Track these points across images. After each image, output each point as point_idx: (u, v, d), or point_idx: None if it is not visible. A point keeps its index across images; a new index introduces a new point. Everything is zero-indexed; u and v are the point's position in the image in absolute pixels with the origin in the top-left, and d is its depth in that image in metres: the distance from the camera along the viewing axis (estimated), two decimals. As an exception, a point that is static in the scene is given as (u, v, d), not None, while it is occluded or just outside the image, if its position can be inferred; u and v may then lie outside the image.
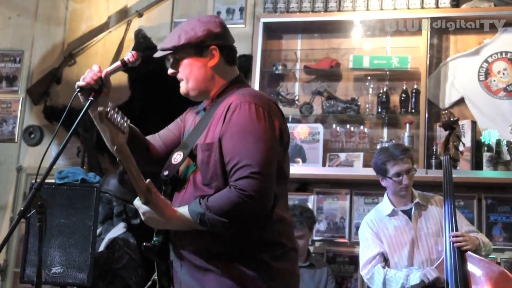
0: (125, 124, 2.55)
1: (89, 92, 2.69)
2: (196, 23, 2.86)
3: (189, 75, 2.83)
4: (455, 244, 4.05)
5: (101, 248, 4.57)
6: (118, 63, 2.78)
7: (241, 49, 5.41)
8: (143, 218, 2.67)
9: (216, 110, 2.78)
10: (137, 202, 2.65)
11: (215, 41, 2.82)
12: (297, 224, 4.76)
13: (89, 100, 2.66)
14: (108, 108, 2.45)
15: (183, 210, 2.63)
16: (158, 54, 2.88)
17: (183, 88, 2.86)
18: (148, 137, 3.02)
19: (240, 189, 2.52)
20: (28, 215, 2.54)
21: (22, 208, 2.53)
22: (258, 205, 2.57)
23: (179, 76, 2.85)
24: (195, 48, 2.81)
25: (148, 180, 2.59)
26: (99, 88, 2.71)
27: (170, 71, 2.87)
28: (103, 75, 2.71)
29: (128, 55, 2.79)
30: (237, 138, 2.63)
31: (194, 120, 2.95)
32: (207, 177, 2.68)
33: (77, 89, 2.68)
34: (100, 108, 2.44)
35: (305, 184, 5.46)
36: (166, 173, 2.76)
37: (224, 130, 2.67)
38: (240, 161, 2.58)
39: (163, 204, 2.64)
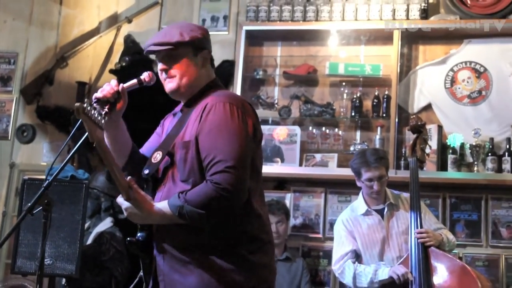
0: (102, 121, 2.55)
1: (105, 104, 2.71)
2: (193, 26, 2.93)
3: (184, 73, 2.83)
4: (419, 240, 4.11)
5: (89, 241, 4.60)
6: (135, 81, 2.81)
7: (225, 54, 5.66)
8: (125, 214, 2.69)
9: (193, 111, 2.81)
10: (120, 199, 2.67)
11: (208, 45, 2.90)
12: (275, 211, 4.89)
13: (105, 112, 2.67)
14: (85, 104, 2.46)
15: (163, 205, 2.65)
16: (156, 48, 2.84)
17: (174, 84, 2.84)
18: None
19: (216, 183, 2.55)
20: (34, 212, 2.55)
21: (30, 204, 2.55)
22: (233, 197, 2.60)
23: (171, 72, 2.83)
24: (194, 48, 2.84)
25: (129, 178, 2.62)
26: (114, 101, 2.73)
27: (162, 66, 2.85)
28: (120, 89, 2.74)
29: (144, 74, 2.81)
30: (213, 135, 2.67)
31: (172, 121, 2.98)
32: (185, 173, 2.71)
33: (94, 100, 2.69)
34: (77, 104, 2.44)
35: (283, 183, 5.47)
36: (146, 171, 2.78)
37: (200, 128, 2.70)
38: (216, 157, 2.61)
39: (143, 200, 2.64)
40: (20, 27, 6.11)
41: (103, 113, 2.68)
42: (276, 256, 4.78)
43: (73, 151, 2.63)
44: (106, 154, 2.58)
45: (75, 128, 2.71)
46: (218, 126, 2.69)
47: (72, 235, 4.08)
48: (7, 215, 5.71)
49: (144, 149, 3.04)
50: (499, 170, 5.02)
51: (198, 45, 2.86)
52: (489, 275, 4.93)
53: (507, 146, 5.05)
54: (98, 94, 2.73)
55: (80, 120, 2.60)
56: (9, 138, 5.89)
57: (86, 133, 2.61)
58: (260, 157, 2.90)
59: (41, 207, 2.59)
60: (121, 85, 2.77)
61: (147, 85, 2.84)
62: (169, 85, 2.85)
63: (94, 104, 2.67)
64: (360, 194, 4.52)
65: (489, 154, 5.06)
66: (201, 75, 2.89)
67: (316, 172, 5.32)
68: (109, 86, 2.75)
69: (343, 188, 5.24)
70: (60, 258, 4.05)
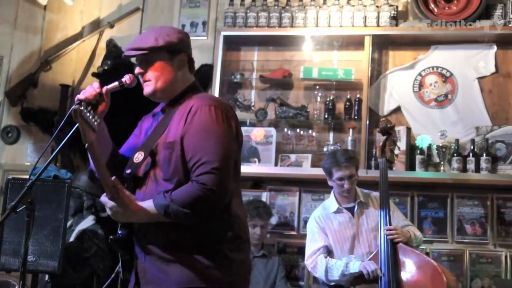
0: (95, 123, 2.54)
1: (87, 106, 2.66)
2: (171, 30, 2.90)
3: (159, 77, 2.81)
4: (388, 237, 4.14)
5: (72, 239, 4.59)
6: (116, 83, 2.78)
7: (203, 59, 5.64)
8: (109, 213, 2.67)
9: (176, 112, 2.80)
10: (104, 198, 2.65)
11: (185, 49, 2.87)
12: (263, 214, 4.88)
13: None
14: (82, 107, 2.47)
15: (148, 203, 2.63)
16: (131, 53, 2.85)
17: (150, 87, 2.83)
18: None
19: (202, 183, 2.55)
20: (18, 210, 2.54)
21: (13, 203, 2.55)
22: (218, 197, 2.60)
23: (147, 76, 2.83)
24: (168, 52, 2.81)
25: (114, 177, 2.60)
26: (96, 103, 2.70)
27: (138, 70, 2.85)
28: (104, 91, 2.71)
29: (126, 77, 2.79)
30: (198, 137, 2.65)
31: (152, 123, 2.96)
32: (169, 173, 2.69)
33: (77, 102, 2.64)
34: (74, 106, 2.46)
35: (259, 182, 5.48)
36: (128, 171, 2.76)
37: (186, 129, 2.68)
38: (201, 158, 2.60)
39: (128, 199, 2.63)
40: (5, 32, 6.09)
41: (96, 116, 2.66)
42: (253, 253, 4.77)
43: (55, 151, 2.60)
44: (96, 155, 2.57)
45: (58, 129, 2.73)
46: (204, 128, 2.68)
47: (55, 233, 4.08)
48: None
49: (122, 150, 3.03)
50: (464, 169, 5.06)
51: (173, 49, 2.85)
52: (454, 269, 4.96)
53: (472, 147, 5.08)
54: (81, 96, 2.70)
55: (63, 122, 2.64)
56: None
57: (68, 135, 2.59)
58: (240, 159, 2.91)
59: (24, 206, 2.58)
60: (104, 87, 2.76)
61: (128, 87, 2.81)
62: (146, 89, 2.85)
63: (89, 108, 2.63)
64: (332, 193, 4.54)
65: (455, 154, 5.09)
66: (177, 78, 2.87)
67: (291, 172, 5.35)
68: (91, 88, 2.72)
69: (316, 187, 5.24)
70: (43, 255, 4.04)
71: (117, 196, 2.61)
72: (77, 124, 2.56)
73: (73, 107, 2.46)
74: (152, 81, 2.82)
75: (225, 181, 2.63)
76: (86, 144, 2.50)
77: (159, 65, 2.82)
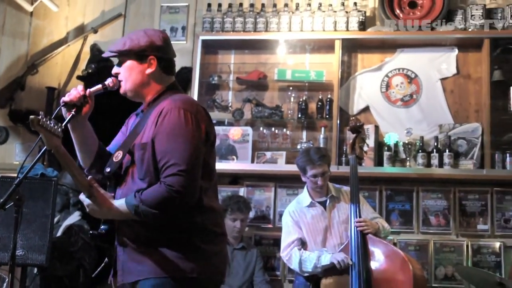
0: (59, 129, 2.54)
1: (71, 107, 2.70)
2: (142, 34, 2.88)
3: (127, 77, 2.84)
4: (358, 229, 4.21)
5: (59, 234, 4.59)
6: (99, 86, 2.80)
7: (183, 62, 5.61)
8: (87, 210, 2.70)
9: (151, 114, 2.80)
10: (82, 196, 2.67)
11: (154, 52, 2.84)
12: (243, 209, 4.91)
13: (71, 115, 2.69)
14: (40, 116, 2.46)
15: (121, 202, 2.66)
16: (105, 55, 2.91)
17: (121, 88, 2.87)
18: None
19: (169, 185, 2.56)
20: (7, 207, 2.57)
21: (2, 200, 2.56)
22: (184, 198, 2.61)
23: (120, 76, 2.85)
24: (135, 55, 2.82)
25: (89, 177, 2.64)
26: (80, 104, 2.71)
27: (114, 70, 2.88)
28: (87, 93, 2.73)
29: (109, 80, 2.81)
30: (167, 140, 2.66)
31: (134, 121, 2.97)
32: (142, 172, 2.71)
33: (62, 103, 2.70)
34: (31, 116, 2.44)
35: (237, 178, 5.50)
36: (108, 169, 2.77)
37: (156, 131, 2.69)
38: (169, 160, 2.61)
39: (103, 198, 2.66)
40: None
41: (59, 123, 2.62)
42: (233, 245, 4.88)
43: (42, 150, 2.57)
44: (64, 159, 2.58)
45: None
46: (172, 131, 2.68)
47: (43, 228, 4.07)
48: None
49: (111, 147, 3.02)
50: (428, 165, 5.11)
51: (140, 52, 2.84)
52: (420, 258, 5.04)
53: (435, 144, 5.14)
54: (65, 98, 2.71)
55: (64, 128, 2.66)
56: None
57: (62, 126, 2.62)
58: (213, 157, 2.90)
59: (12, 203, 2.60)
60: (88, 90, 2.75)
61: (111, 90, 2.82)
62: (120, 89, 2.88)
63: (48, 116, 2.60)
64: (305, 188, 4.58)
65: (420, 151, 5.14)
66: (147, 80, 2.86)
67: (267, 168, 5.35)
68: (75, 90, 2.73)
69: (290, 182, 5.27)
70: (31, 249, 4.04)
71: (93, 194, 2.63)
72: (64, 124, 2.61)
73: (30, 117, 2.45)
74: (123, 81, 2.85)
75: (192, 182, 2.64)
76: (52, 150, 2.52)
77: (128, 67, 2.84)
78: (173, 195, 2.57)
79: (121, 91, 2.87)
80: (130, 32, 2.98)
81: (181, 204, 2.62)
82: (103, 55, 2.95)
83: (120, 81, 2.81)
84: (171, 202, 2.59)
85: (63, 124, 2.65)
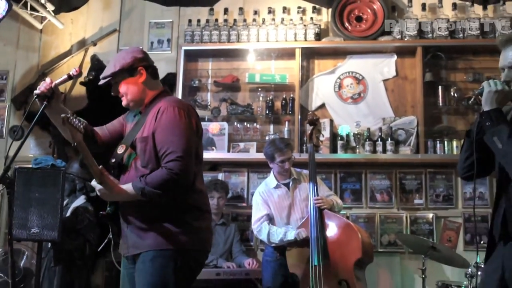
0: (81, 126, 2.61)
1: (43, 98, 2.72)
2: (124, 54, 2.92)
3: (127, 91, 2.87)
4: (316, 205, 4.32)
5: (68, 214, 4.63)
6: (65, 76, 2.80)
7: (169, 68, 5.66)
8: (99, 194, 2.74)
9: (149, 113, 2.82)
10: (94, 183, 2.72)
11: (140, 63, 2.88)
12: (219, 189, 4.95)
13: (44, 104, 2.72)
14: (69, 115, 2.56)
15: (128, 186, 2.69)
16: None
17: (124, 101, 2.90)
18: (98, 128, 3.03)
19: (169, 169, 2.63)
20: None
21: None
22: (182, 179, 2.66)
23: (120, 93, 2.89)
24: (127, 71, 2.86)
25: (100, 166, 2.67)
26: (50, 95, 2.73)
27: (113, 92, 2.91)
28: (53, 85, 2.74)
29: (72, 70, 2.82)
30: (166, 132, 2.70)
31: (133, 121, 2.96)
32: (145, 161, 2.75)
33: (35, 96, 2.73)
34: (62, 115, 2.54)
35: (216, 165, 5.52)
36: (113, 160, 2.83)
37: (155, 126, 2.73)
38: (168, 149, 2.67)
39: (112, 183, 2.70)
40: (9, 51, 6.03)
41: (82, 120, 2.67)
42: (215, 221, 4.86)
43: (31, 126, 2.64)
44: (85, 150, 2.63)
45: (34, 123, 2.73)
46: (169, 125, 2.71)
47: (54, 210, 4.08)
48: (4, 196, 5.50)
49: (107, 127, 3.05)
50: (374, 151, 5.21)
51: (129, 68, 2.85)
52: (368, 228, 5.17)
53: (379, 134, 5.24)
54: (37, 91, 2.73)
55: (38, 116, 2.70)
56: (4, 136, 5.85)
57: (37, 116, 2.68)
58: (201, 147, 2.92)
59: (4, 186, 2.65)
60: (54, 82, 2.75)
61: (76, 78, 2.88)
62: (123, 103, 2.92)
63: (75, 115, 2.65)
64: (271, 172, 4.64)
65: (367, 140, 5.22)
66: (142, 88, 2.89)
67: (241, 157, 5.41)
68: (44, 83, 2.74)
69: (260, 168, 5.30)
70: (45, 227, 4.06)
71: (104, 180, 2.67)
72: (39, 113, 2.67)
73: (61, 115, 2.54)
74: (124, 96, 2.88)
75: (188, 166, 2.67)
76: (75, 143, 2.58)
77: (124, 84, 2.87)
78: (173, 177, 2.62)
79: (124, 104, 2.92)
80: (115, 56, 2.99)
81: (180, 185, 2.66)
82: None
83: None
84: (171, 183, 2.63)
85: (39, 113, 2.70)
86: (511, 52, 2.54)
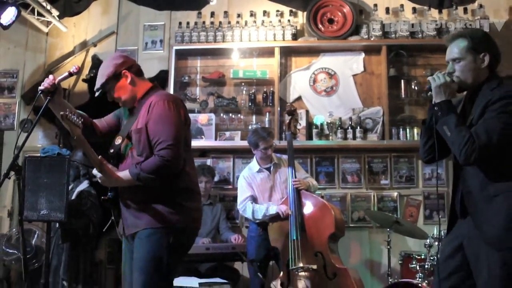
0: (80, 121, 2.60)
1: (47, 93, 2.72)
2: (107, 64, 2.87)
3: (120, 95, 2.86)
4: (294, 186, 4.33)
5: (73, 197, 4.66)
6: (66, 73, 2.78)
7: (161, 66, 5.64)
8: (99, 181, 2.75)
9: (142, 107, 2.82)
10: (94, 171, 2.73)
11: (121, 67, 2.84)
12: (206, 173, 4.93)
13: (48, 99, 2.72)
14: (67, 112, 2.55)
15: (125, 173, 2.71)
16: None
17: (120, 103, 2.90)
18: (97, 120, 3.01)
19: (161, 156, 2.64)
20: (10, 176, 2.67)
21: (6, 171, 2.67)
22: (173, 165, 2.67)
23: (115, 98, 2.87)
24: (114, 78, 2.83)
25: (100, 156, 2.68)
26: (54, 90, 2.72)
27: (108, 98, 2.90)
28: (56, 82, 2.73)
29: (72, 68, 2.80)
30: (157, 123, 2.71)
31: (128, 114, 2.95)
32: (140, 150, 2.75)
33: (39, 92, 2.72)
34: (61, 113, 2.54)
35: (205, 152, 5.53)
36: (111, 150, 2.83)
37: (148, 118, 2.73)
38: (160, 138, 2.67)
39: (111, 171, 2.72)
40: (19, 52, 6.01)
41: (80, 116, 2.66)
42: (202, 202, 4.60)
43: (37, 117, 2.74)
44: (84, 143, 2.63)
45: (40, 115, 2.73)
46: (161, 116, 2.71)
47: (61, 193, 4.13)
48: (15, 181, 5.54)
49: (105, 119, 3.04)
50: (345, 138, 5.22)
51: (116, 73, 2.83)
52: (340, 206, 5.21)
53: (350, 123, 5.25)
54: (41, 87, 2.71)
55: (43, 110, 2.70)
56: (15, 129, 5.83)
57: (42, 109, 2.69)
58: (189, 136, 2.92)
59: (14, 173, 2.68)
60: (57, 78, 2.74)
61: (76, 74, 2.85)
62: (120, 104, 2.92)
63: (73, 111, 2.66)
64: (254, 158, 4.66)
65: (339, 128, 5.24)
66: (131, 88, 2.86)
67: (227, 144, 5.41)
68: (48, 80, 2.72)
69: (244, 154, 5.31)
70: (53, 209, 4.11)
71: (103, 169, 2.69)
72: (43, 107, 2.68)
73: (60, 113, 2.54)
74: (119, 98, 2.87)
75: (178, 153, 2.67)
76: (74, 137, 2.60)
77: (116, 89, 2.85)
78: (165, 163, 2.63)
79: (121, 105, 2.92)
80: (100, 68, 2.92)
81: (171, 170, 2.67)
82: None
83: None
84: (163, 168, 2.64)
85: (43, 106, 2.70)
86: (454, 47, 2.61)
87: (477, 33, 2.69)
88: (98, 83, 2.87)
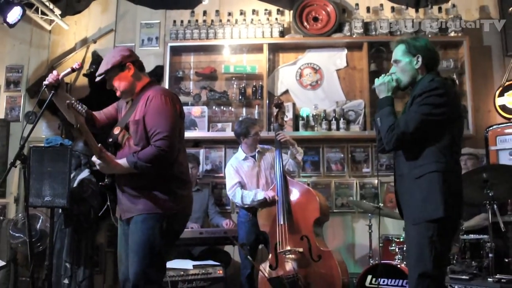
0: (83, 110, 2.68)
1: (51, 87, 2.74)
2: (113, 54, 2.90)
3: (120, 85, 2.87)
4: (281, 140, 4.36)
5: (75, 185, 4.65)
6: (69, 69, 2.79)
7: (157, 62, 5.66)
8: (98, 168, 2.77)
9: (140, 100, 2.84)
10: (94, 158, 2.76)
11: (128, 59, 2.88)
12: (191, 160, 4.87)
13: (52, 93, 2.74)
14: (73, 101, 2.61)
15: (123, 161, 2.73)
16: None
17: (118, 93, 2.91)
18: (96, 112, 3.03)
19: (157, 146, 2.67)
20: (16, 165, 2.65)
21: (12, 160, 2.66)
22: (168, 155, 2.70)
23: (114, 87, 2.89)
24: (118, 67, 2.85)
25: (99, 144, 2.71)
26: (57, 85, 2.75)
27: (108, 86, 2.90)
28: (60, 77, 2.76)
29: (75, 64, 2.82)
30: (154, 116, 2.73)
31: (125, 107, 2.97)
32: (137, 140, 2.78)
33: (44, 86, 2.75)
34: (67, 101, 2.58)
35: (198, 142, 5.54)
36: (110, 140, 2.86)
37: (145, 111, 2.76)
38: (156, 129, 2.70)
39: (110, 158, 2.74)
40: (24, 48, 6.01)
41: (84, 106, 2.72)
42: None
43: (41, 110, 2.69)
44: (86, 131, 2.65)
45: (43, 108, 2.76)
46: (157, 109, 2.73)
47: (63, 181, 4.15)
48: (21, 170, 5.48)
49: (104, 111, 3.05)
50: (329, 129, 5.27)
51: (120, 64, 2.85)
52: (325, 193, 5.23)
53: (334, 115, 5.31)
54: (46, 82, 2.73)
55: (47, 103, 2.73)
56: (20, 120, 5.84)
57: (46, 103, 2.70)
58: (183, 127, 2.95)
59: (20, 162, 2.67)
60: (60, 74, 2.76)
61: (78, 70, 2.83)
62: (117, 94, 2.93)
63: (78, 101, 2.68)
64: (239, 148, 4.68)
65: (324, 119, 5.28)
66: (132, 80, 2.88)
67: (218, 135, 5.42)
68: (52, 75, 2.74)
69: (235, 144, 5.12)
70: (56, 196, 4.13)
71: (102, 156, 2.72)
72: (48, 100, 2.69)
73: (66, 102, 2.57)
74: (117, 88, 2.89)
75: (173, 144, 2.70)
76: (78, 125, 2.61)
77: (116, 79, 2.87)
78: (161, 153, 2.66)
79: (118, 95, 2.93)
80: (106, 56, 2.94)
81: (166, 159, 2.70)
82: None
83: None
84: (159, 158, 2.67)
85: (47, 100, 2.74)
86: (398, 51, 2.85)
87: (414, 39, 2.89)
88: (101, 69, 2.86)
